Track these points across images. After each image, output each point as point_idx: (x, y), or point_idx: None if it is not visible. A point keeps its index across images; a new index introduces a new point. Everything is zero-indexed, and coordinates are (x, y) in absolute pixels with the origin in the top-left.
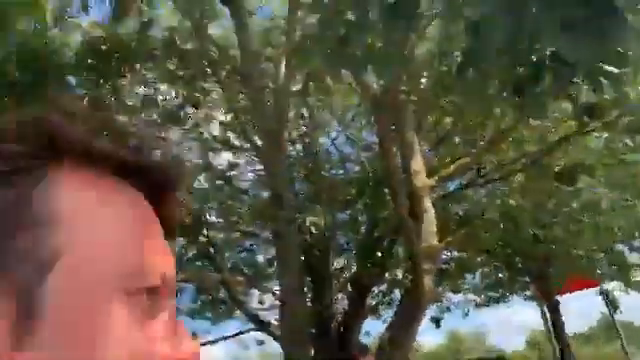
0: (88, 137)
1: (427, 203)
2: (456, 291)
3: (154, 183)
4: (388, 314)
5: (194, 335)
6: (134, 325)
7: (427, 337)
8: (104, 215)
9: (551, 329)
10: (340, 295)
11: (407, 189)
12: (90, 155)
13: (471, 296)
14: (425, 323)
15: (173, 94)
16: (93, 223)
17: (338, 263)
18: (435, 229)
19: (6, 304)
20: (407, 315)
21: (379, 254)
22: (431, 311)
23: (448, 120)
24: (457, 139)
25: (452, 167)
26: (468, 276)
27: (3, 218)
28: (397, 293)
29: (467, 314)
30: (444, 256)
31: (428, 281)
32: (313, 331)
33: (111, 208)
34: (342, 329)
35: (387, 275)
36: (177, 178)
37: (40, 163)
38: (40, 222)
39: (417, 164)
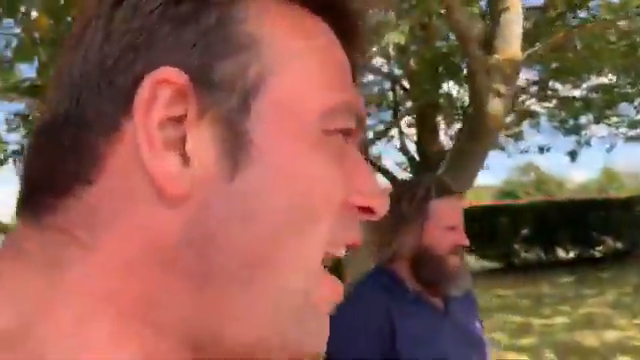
0: None
1: None
2: (607, 123)
3: (349, 27)
4: None
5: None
6: (330, 167)
7: (577, 171)
8: (308, 47)
9: None
10: None
11: None
12: None
13: (622, 129)
14: (566, 157)
15: None
16: (298, 53)
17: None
18: (519, 34)
19: (216, 133)
20: (465, 148)
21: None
22: (568, 143)
23: None
24: None
25: None
26: (622, 106)
27: (206, 44)
28: None
29: (612, 148)
30: (592, 83)
31: (497, 105)
32: None
33: (315, 41)
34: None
35: None
36: (371, 27)
37: None
38: (243, 46)
39: None
